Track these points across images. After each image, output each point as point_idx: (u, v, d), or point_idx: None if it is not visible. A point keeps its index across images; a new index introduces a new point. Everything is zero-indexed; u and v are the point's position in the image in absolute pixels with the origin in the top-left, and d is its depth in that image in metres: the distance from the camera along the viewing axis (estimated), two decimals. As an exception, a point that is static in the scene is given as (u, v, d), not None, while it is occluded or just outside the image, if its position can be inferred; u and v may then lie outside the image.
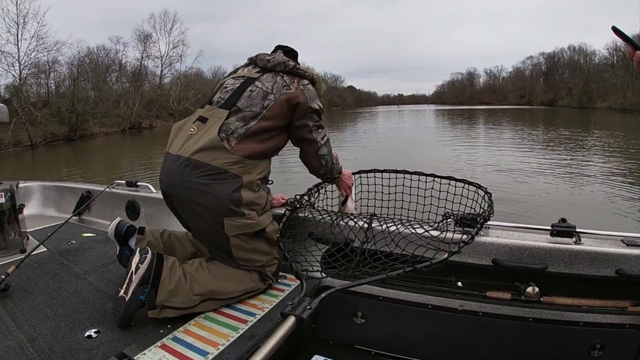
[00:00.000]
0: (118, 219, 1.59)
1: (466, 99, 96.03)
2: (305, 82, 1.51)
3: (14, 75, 25.97)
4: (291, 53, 1.62)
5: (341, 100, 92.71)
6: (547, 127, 23.11)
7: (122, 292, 1.30)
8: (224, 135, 1.38)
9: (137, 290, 1.29)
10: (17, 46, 26.08)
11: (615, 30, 0.81)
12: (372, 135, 20.58)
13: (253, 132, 1.40)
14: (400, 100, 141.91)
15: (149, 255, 1.34)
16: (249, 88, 1.46)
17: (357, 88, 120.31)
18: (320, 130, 1.53)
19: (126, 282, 1.30)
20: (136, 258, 1.32)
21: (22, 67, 26.30)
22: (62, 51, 30.14)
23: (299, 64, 1.55)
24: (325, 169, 1.59)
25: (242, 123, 1.40)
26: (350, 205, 1.71)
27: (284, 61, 1.51)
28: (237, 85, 1.49)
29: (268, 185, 1.59)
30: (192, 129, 1.43)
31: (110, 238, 1.59)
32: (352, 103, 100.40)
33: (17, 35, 25.97)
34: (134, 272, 1.30)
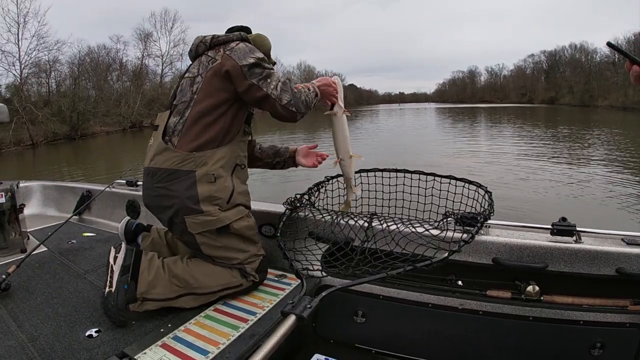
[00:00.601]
0: (127, 218, 1.65)
1: (467, 97, 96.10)
2: (232, 44, 1.40)
3: (14, 74, 26.13)
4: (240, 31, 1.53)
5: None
6: (548, 125, 23.07)
7: (107, 289, 1.32)
8: (167, 137, 1.40)
9: (121, 279, 1.32)
10: (18, 45, 26.23)
11: (610, 45, 0.80)
12: (373, 133, 20.55)
13: (190, 122, 1.37)
14: (401, 98, 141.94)
15: (123, 245, 1.39)
16: (181, 82, 1.48)
17: (358, 86, 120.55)
18: (268, 80, 1.37)
19: (109, 277, 1.34)
20: (112, 252, 1.37)
21: (22, 66, 26.44)
22: (62, 50, 30.25)
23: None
24: (302, 111, 1.43)
25: (178, 118, 1.40)
26: (338, 111, 1.59)
27: (202, 40, 1.46)
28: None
29: (244, 176, 1.54)
30: (151, 140, 1.47)
31: (119, 236, 1.63)
32: (353, 101, 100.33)
33: (18, 34, 26.14)
34: (113, 264, 1.35)
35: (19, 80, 26.10)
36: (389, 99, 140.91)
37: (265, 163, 1.79)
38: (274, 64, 1.55)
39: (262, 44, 1.50)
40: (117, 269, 1.33)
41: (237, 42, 1.42)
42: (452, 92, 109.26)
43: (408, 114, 46.70)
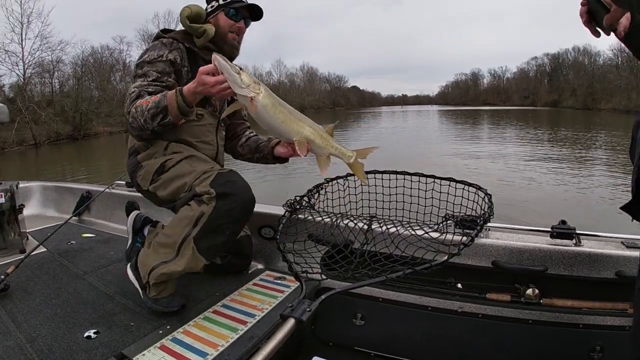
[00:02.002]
0: (136, 212, 1.84)
1: (470, 100, 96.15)
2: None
3: (18, 74, 26.25)
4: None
5: (345, 100, 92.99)
6: (551, 128, 22.99)
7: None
8: None
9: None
10: (21, 45, 26.36)
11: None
12: (375, 135, 20.52)
13: None
14: (404, 100, 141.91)
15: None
16: None
17: (361, 88, 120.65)
18: (135, 80, 1.44)
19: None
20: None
21: (26, 66, 26.57)
22: (66, 51, 30.36)
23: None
24: (134, 133, 1.40)
25: None
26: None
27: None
28: None
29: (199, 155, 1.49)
30: None
31: (127, 229, 1.80)
32: (356, 103, 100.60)
33: (22, 34, 26.26)
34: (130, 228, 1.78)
35: (22, 80, 26.24)
36: (392, 101, 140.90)
37: (247, 158, 1.75)
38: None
39: (195, 29, 1.50)
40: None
41: (153, 41, 1.52)
42: (455, 94, 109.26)
43: (411, 117, 46.62)
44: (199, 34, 1.50)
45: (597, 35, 0.88)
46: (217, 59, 1.19)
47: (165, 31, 1.54)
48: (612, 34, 0.83)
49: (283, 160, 1.64)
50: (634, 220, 1.04)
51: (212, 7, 1.55)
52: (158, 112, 1.30)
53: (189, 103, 1.29)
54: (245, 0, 1.55)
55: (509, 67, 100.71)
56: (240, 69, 1.20)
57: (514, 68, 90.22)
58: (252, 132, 1.79)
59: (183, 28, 1.53)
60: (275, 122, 1.26)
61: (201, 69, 1.24)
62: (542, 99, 70.18)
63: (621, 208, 1.05)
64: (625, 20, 0.78)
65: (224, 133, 1.71)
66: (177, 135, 1.48)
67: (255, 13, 1.57)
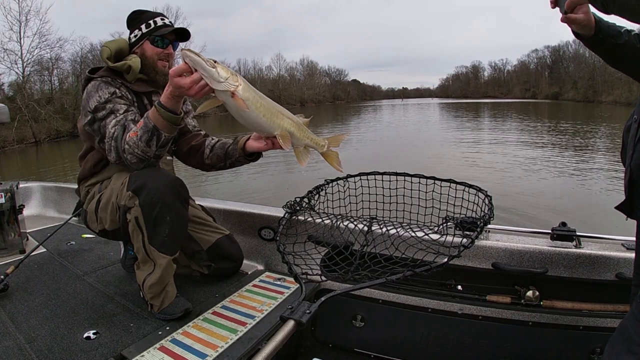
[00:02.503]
0: None
1: (471, 93, 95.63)
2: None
3: (17, 72, 26.02)
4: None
5: (345, 94, 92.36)
6: (551, 121, 22.89)
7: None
8: None
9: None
10: (20, 43, 26.08)
11: None
12: (375, 131, 20.45)
13: None
14: (404, 93, 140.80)
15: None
16: None
17: (361, 82, 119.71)
18: (106, 122, 1.37)
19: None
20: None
21: (25, 64, 26.32)
22: (65, 48, 30.35)
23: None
24: (135, 163, 1.32)
25: None
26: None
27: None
28: None
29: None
30: None
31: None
32: (356, 97, 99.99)
33: (20, 32, 25.97)
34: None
35: (21, 78, 26.08)
36: (392, 94, 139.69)
37: (219, 168, 1.64)
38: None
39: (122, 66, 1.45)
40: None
41: (85, 84, 1.47)
42: (455, 87, 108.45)
43: (411, 110, 46.38)
44: (125, 70, 1.45)
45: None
46: (189, 55, 1.10)
47: (93, 71, 1.49)
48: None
49: (257, 156, 1.56)
50: (629, 219, 1.06)
51: (135, 36, 1.48)
52: (150, 135, 1.25)
53: (173, 110, 1.23)
54: (169, 23, 1.49)
55: (510, 60, 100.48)
56: (215, 61, 1.11)
57: (514, 60, 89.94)
58: (212, 139, 1.66)
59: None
60: (257, 117, 1.18)
61: (171, 71, 1.16)
62: (543, 92, 69.74)
63: (616, 208, 1.07)
64: (583, 14, 0.90)
65: (169, 157, 1.67)
66: (115, 171, 1.47)
67: (182, 34, 1.50)
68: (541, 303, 1.37)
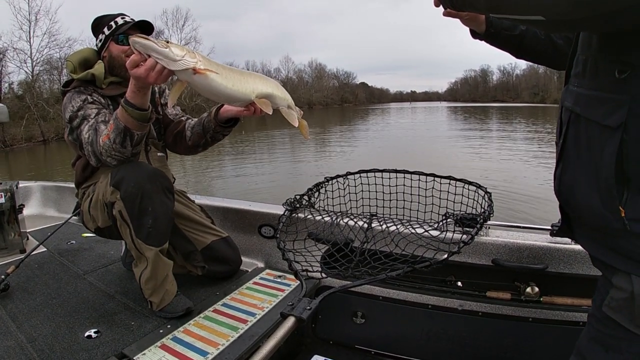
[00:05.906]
0: None
1: (479, 97, 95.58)
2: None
3: (26, 71, 26.03)
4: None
5: (353, 96, 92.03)
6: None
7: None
8: None
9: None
10: (30, 43, 26.10)
11: None
12: (383, 133, 20.42)
13: None
14: (412, 97, 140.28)
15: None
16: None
17: (369, 85, 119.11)
18: (80, 129, 1.40)
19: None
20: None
21: (34, 63, 26.33)
22: (74, 48, 30.00)
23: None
24: (114, 165, 1.33)
25: None
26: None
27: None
28: None
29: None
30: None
31: None
32: (365, 99, 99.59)
33: (29, 32, 25.99)
34: None
35: (30, 77, 26.06)
36: (401, 97, 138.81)
37: (203, 145, 1.62)
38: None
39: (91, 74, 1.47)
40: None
41: (64, 93, 1.50)
42: (464, 91, 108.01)
43: (420, 113, 46.27)
44: (90, 79, 1.46)
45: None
46: (137, 41, 1.02)
47: (66, 85, 1.52)
48: None
49: (235, 122, 1.52)
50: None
51: (100, 40, 1.51)
52: (123, 137, 1.24)
53: (140, 107, 1.21)
54: (130, 20, 1.49)
55: (519, 64, 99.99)
56: (167, 41, 1.04)
57: (523, 64, 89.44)
58: (191, 120, 1.64)
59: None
60: (227, 87, 1.10)
61: (127, 64, 1.11)
62: (551, 96, 69.41)
63: (555, 235, 1.04)
64: None
65: (159, 154, 1.66)
66: (105, 171, 1.46)
67: (144, 27, 1.48)
68: (541, 299, 1.37)
